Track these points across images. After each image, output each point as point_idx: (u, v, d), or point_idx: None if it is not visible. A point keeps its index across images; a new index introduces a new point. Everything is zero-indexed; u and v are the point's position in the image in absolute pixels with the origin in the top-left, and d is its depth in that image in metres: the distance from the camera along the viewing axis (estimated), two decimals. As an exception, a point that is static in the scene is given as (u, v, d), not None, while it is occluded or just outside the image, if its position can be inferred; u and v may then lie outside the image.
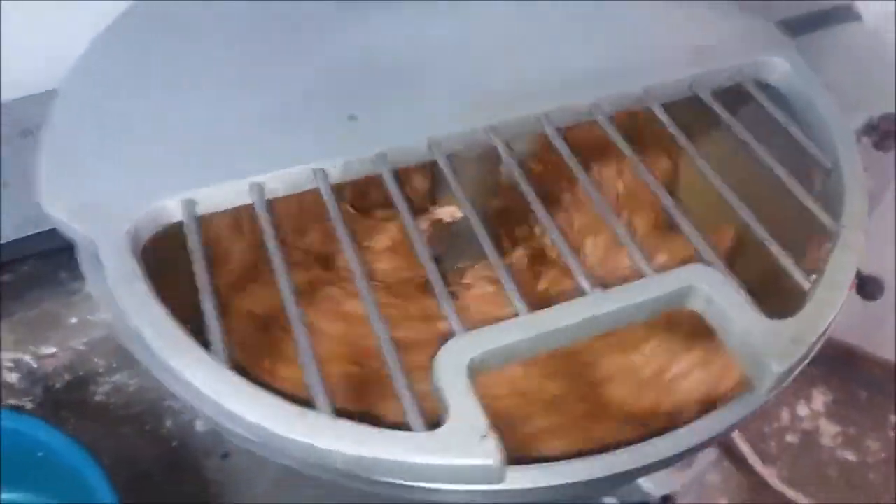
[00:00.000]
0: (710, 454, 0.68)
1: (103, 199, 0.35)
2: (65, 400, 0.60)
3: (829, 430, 0.84)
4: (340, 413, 0.28)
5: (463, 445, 0.27)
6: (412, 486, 0.28)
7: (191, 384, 0.29)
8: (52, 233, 0.53)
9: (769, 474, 0.78)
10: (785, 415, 0.84)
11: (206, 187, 0.35)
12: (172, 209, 0.35)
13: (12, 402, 0.58)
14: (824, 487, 0.81)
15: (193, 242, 0.33)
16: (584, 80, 0.41)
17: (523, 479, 0.28)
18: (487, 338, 0.30)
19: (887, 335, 0.83)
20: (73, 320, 0.60)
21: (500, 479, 0.28)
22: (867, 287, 0.54)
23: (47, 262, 0.61)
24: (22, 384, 0.59)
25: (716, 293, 0.32)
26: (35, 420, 0.51)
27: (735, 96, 0.42)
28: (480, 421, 0.28)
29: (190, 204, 0.35)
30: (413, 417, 0.28)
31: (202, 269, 0.33)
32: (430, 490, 0.28)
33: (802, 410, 0.85)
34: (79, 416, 0.59)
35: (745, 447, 0.76)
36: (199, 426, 0.60)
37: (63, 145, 0.38)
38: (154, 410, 0.61)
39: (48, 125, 0.38)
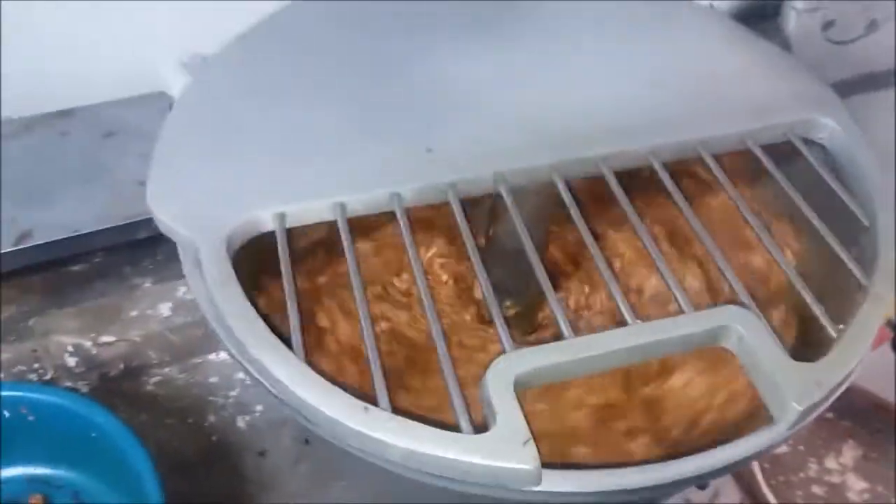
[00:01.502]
0: (733, 496, 0.69)
1: (205, 206, 0.40)
2: (117, 387, 0.63)
3: (856, 486, 0.83)
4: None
5: (506, 449, 0.31)
6: (458, 482, 0.32)
7: (273, 376, 0.34)
8: (122, 229, 0.57)
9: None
10: (813, 466, 0.85)
11: (295, 203, 0.40)
12: (265, 220, 0.39)
13: (68, 384, 0.62)
14: (846, 542, 0.81)
15: (282, 251, 0.38)
16: (642, 126, 0.45)
17: (558, 482, 0.31)
18: (533, 357, 0.34)
19: (925, 395, 0.83)
20: (134, 313, 0.64)
21: (537, 483, 0.31)
22: (902, 343, 0.56)
23: (115, 256, 0.64)
24: (79, 368, 0.63)
25: (748, 334, 0.35)
26: (93, 403, 0.53)
27: (783, 151, 0.45)
28: (523, 429, 0.31)
29: (280, 217, 0.39)
30: (463, 421, 0.32)
31: (288, 274, 0.37)
32: (470, 485, 0.32)
33: (831, 463, 0.85)
34: (129, 403, 0.63)
35: (769, 494, 0.77)
36: (240, 423, 0.64)
37: (172, 155, 0.43)
38: (198, 405, 0.64)
39: (161, 135, 0.44)
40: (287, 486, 0.61)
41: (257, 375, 0.34)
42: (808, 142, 0.46)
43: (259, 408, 0.65)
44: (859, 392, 0.90)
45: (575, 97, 0.47)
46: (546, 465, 0.31)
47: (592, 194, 0.49)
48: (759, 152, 0.44)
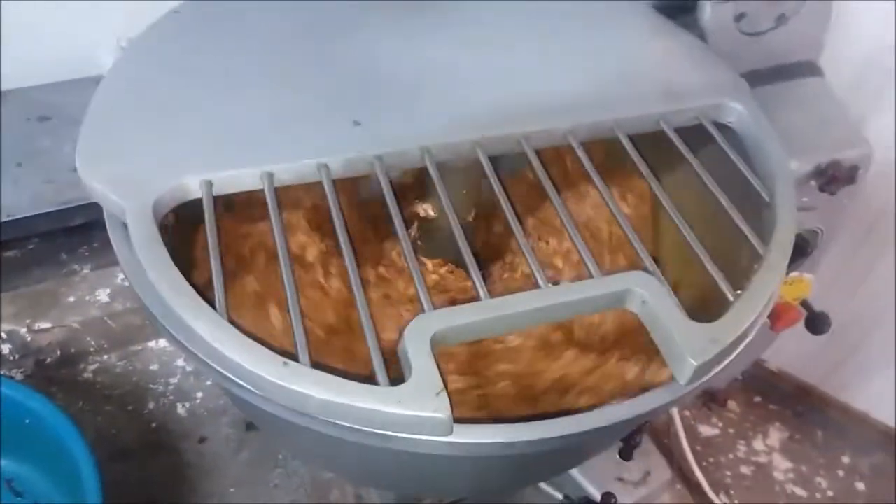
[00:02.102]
0: (665, 474, 0.72)
1: (134, 173, 0.40)
2: (54, 375, 0.63)
3: (781, 465, 0.88)
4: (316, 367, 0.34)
5: (420, 399, 0.32)
6: (375, 433, 0.33)
7: (195, 332, 0.35)
8: (59, 214, 0.56)
9: (720, 501, 0.83)
10: (742, 447, 0.89)
11: (223, 171, 0.41)
12: (192, 188, 0.40)
13: (2, 371, 0.61)
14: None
15: (208, 217, 0.39)
16: (562, 107, 0.47)
17: (469, 433, 0.33)
18: (450, 316, 0.36)
19: (845, 378, 0.88)
20: (71, 299, 0.63)
21: (449, 431, 0.33)
22: (815, 322, 0.60)
23: (51, 242, 0.64)
24: (14, 356, 0.62)
25: (650, 297, 0.37)
26: (28, 389, 0.52)
27: (696, 134, 0.48)
28: (437, 381, 0.33)
29: (208, 185, 0.40)
30: (380, 373, 0.33)
31: (213, 238, 0.38)
32: (388, 437, 0.33)
33: (759, 445, 0.90)
34: (66, 391, 0.62)
35: (699, 472, 0.80)
36: (181, 410, 0.64)
37: (102, 124, 0.43)
38: (138, 392, 0.64)
39: (91, 105, 0.44)
40: (227, 472, 0.62)
41: (176, 335, 0.35)
42: (718, 125, 0.48)
43: (199, 395, 0.65)
44: (785, 377, 0.95)
45: (500, 80, 0.49)
46: (458, 420, 0.33)
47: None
48: (671, 133, 0.47)
